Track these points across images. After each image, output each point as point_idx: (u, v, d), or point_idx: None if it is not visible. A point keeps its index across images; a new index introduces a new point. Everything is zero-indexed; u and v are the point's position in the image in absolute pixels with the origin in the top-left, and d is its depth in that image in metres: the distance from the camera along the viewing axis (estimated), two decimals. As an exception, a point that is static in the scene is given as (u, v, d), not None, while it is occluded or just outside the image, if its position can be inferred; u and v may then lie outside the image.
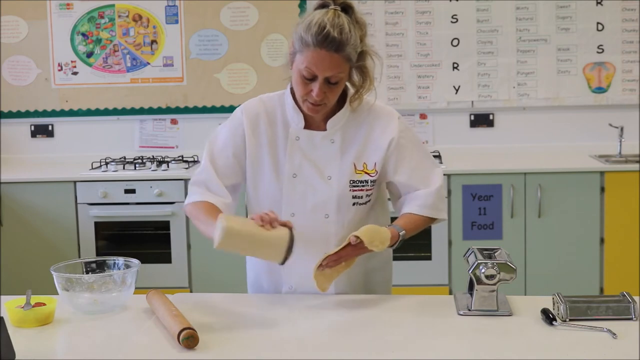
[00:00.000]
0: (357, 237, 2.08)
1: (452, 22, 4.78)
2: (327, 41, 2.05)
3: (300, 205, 2.23)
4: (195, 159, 4.65)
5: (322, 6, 2.12)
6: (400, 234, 2.18)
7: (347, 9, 2.12)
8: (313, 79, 2.10)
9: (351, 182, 2.23)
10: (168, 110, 4.92)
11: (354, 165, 2.23)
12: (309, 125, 2.24)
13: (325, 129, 2.23)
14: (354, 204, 2.24)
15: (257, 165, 2.26)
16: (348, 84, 2.21)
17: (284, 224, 2.01)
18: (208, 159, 2.27)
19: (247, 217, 2.29)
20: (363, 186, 2.24)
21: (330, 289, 2.24)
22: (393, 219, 2.28)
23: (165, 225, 4.36)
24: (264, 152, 2.25)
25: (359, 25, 2.13)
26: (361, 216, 2.27)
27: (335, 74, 2.09)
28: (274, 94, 2.31)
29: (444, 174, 4.17)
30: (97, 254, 4.32)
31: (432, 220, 2.29)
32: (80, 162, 4.74)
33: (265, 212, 2.02)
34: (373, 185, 2.26)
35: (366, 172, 2.24)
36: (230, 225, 1.94)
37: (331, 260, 2.10)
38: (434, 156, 4.53)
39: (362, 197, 2.24)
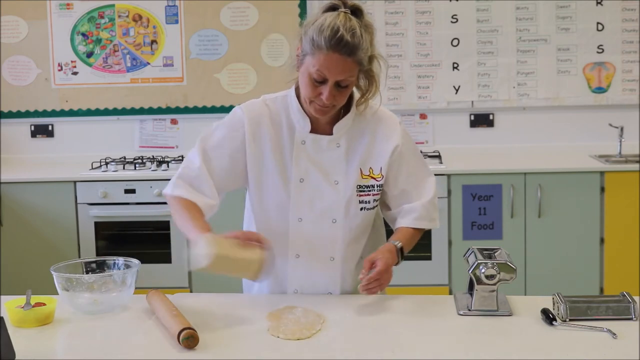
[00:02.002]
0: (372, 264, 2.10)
1: (452, 22, 4.78)
2: (340, 45, 2.02)
3: (307, 210, 2.21)
4: (195, 159, 4.64)
5: (332, 8, 2.09)
6: (396, 244, 2.18)
7: (357, 13, 2.09)
8: (323, 82, 2.07)
9: (358, 187, 2.21)
10: (168, 110, 4.93)
11: (361, 170, 2.21)
12: (314, 129, 2.21)
13: (330, 133, 2.20)
14: (361, 209, 2.23)
15: (261, 170, 2.21)
16: (354, 88, 2.18)
17: (260, 243, 2.01)
18: (201, 157, 2.19)
19: (244, 225, 2.31)
20: (370, 191, 2.23)
21: (335, 289, 2.26)
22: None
23: (165, 225, 4.36)
24: (268, 157, 2.20)
25: (368, 29, 2.10)
26: (368, 221, 2.26)
27: (347, 78, 2.07)
28: (276, 95, 2.26)
29: (444, 174, 4.25)
30: (97, 254, 4.32)
31: (425, 229, 2.30)
32: (80, 162, 4.74)
33: (243, 232, 2.07)
34: (380, 189, 2.24)
35: (372, 177, 2.22)
36: (219, 252, 1.93)
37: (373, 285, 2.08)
38: (434, 156, 4.57)
39: (369, 202, 2.23)
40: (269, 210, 2.23)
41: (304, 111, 2.19)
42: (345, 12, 2.06)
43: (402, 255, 2.18)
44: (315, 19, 2.08)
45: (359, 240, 2.27)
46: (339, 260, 2.24)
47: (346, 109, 2.21)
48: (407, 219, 2.26)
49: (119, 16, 4.89)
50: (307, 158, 2.20)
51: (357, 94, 2.21)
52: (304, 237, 2.22)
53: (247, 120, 2.20)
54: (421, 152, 4.57)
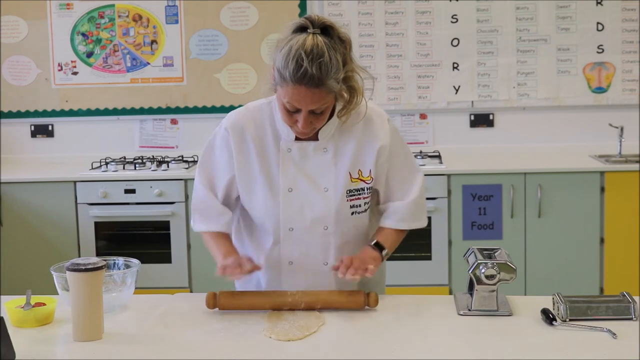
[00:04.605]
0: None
1: (452, 22, 4.78)
2: (305, 78, 1.96)
3: (298, 220, 2.18)
4: (195, 159, 4.65)
5: (300, 29, 2.03)
6: (383, 254, 2.20)
7: (328, 30, 2.01)
8: (297, 111, 2.03)
9: (348, 192, 2.17)
10: (168, 110, 4.92)
11: (349, 174, 2.17)
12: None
13: (316, 139, 2.16)
14: (352, 214, 2.19)
15: (249, 182, 2.19)
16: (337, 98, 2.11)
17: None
18: (204, 184, 2.22)
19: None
20: (360, 194, 2.19)
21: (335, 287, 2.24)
22: None
23: (165, 225, 4.36)
24: (255, 167, 2.17)
25: (343, 44, 2.03)
26: (359, 224, 2.24)
27: (319, 106, 2.02)
28: (261, 102, 2.22)
29: (444, 174, 4.25)
30: (97, 254, 4.32)
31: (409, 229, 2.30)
32: (80, 162, 4.74)
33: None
34: (370, 192, 2.21)
35: (362, 180, 2.18)
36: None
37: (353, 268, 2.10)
38: (434, 156, 4.57)
39: (360, 205, 2.20)
40: (260, 220, 2.21)
41: None
42: (313, 34, 1.99)
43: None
44: (283, 44, 2.02)
45: (353, 242, 2.24)
46: (332, 264, 2.21)
47: (332, 112, 2.15)
48: (390, 220, 2.25)
49: (119, 16, 4.89)
50: (294, 166, 2.17)
51: (340, 105, 2.14)
52: (296, 245, 2.20)
53: (231, 134, 2.18)
54: (421, 151, 4.63)
